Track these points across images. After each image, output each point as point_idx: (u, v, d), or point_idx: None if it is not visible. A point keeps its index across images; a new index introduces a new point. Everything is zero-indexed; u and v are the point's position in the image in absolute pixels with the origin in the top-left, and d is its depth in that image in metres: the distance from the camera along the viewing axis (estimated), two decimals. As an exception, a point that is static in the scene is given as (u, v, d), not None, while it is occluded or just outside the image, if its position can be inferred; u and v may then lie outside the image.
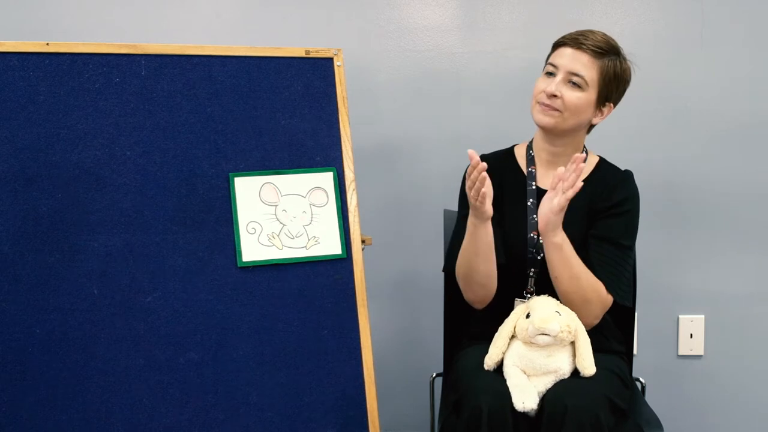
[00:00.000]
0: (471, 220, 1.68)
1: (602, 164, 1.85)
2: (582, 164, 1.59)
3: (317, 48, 1.81)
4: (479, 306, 1.80)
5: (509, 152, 1.89)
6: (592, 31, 1.74)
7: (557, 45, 1.77)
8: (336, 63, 1.81)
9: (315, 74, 1.79)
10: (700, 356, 2.40)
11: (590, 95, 1.73)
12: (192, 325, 1.64)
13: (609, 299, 1.72)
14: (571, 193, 1.60)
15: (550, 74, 1.75)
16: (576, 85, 1.72)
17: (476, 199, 1.60)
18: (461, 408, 1.57)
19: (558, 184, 1.61)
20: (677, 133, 2.33)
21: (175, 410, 1.60)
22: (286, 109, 1.77)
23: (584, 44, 1.71)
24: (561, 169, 1.61)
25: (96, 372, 1.59)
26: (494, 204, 1.73)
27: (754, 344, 2.39)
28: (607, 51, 1.73)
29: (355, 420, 1.66)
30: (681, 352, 2.40)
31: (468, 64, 2.32)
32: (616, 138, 2.30)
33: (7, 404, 1.55)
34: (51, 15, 2.26)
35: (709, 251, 2.36)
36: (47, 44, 1.67)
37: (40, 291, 1.59)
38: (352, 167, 1.77)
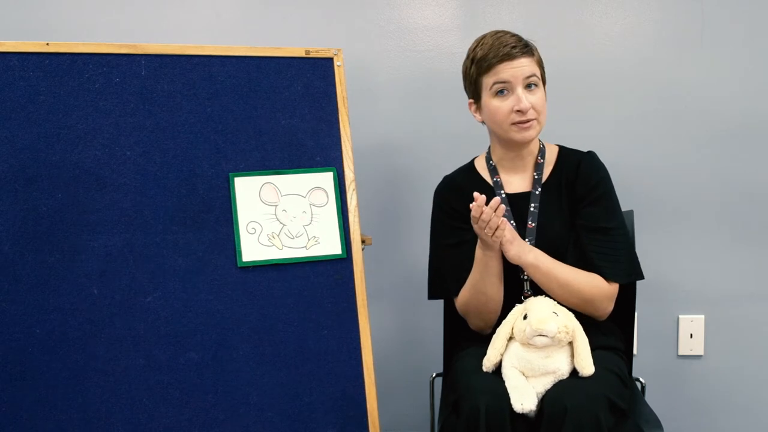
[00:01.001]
0: (484, 253, 1.69)
1: (563, 152, 1.86)
2: (501, 207, 1.60)
3: (317, 48, 1.81)
4: (488, 331, 1.79)
5: (470, 167, 1.90)
6: (504, 35, 1.74)
7: (489, 66, 1.73)
8: (336, 63, 1.81)
9: (315, 74, 1.79)
10: (700, 356, 2.40)
11: (543, 89, 1.78)
12: (192, 325, 1.64)
13: (613, 288, 1.73)
14: (509, 226, 1.64)
15: (502, 92, 1.74)
16: (534, 87, 1.74)
17: (493, 236, 1.62)
18: (460, 409, 1.57)
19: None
20: (677, 133, 2.32)
21: (175, 410, 1.60)
22: (286, 109, 1.77)
23: (515, 51, 1.72)
24: (475, 204, 1.59)
25: (96, 372, 1.59)
26: (469, 224, 1.74)
27: (754, 344, 2.39)
28: (527, 44, 1.76)
29: (355, 420, 1.66)
30: (681, 352, 2.40)
31: (468, 64, 2.32)
32: (615, 138, 2.30)
33: (7, 404, 1.55)
34: (51, 15, 2.26)
35: (709, 251, 2.36)
36: (47, 44, 1.67)
37: (40, 291, 1.59)
38: (352, 167, 1.77)
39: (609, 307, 1.74)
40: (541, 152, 1.83)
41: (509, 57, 1.72)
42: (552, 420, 1.51)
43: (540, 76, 1.76)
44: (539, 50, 1.79)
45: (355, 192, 1.77)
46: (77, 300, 1.60)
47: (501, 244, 1.67)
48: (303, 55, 1.80)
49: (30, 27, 2.25)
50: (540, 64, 1.78)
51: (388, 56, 2.31)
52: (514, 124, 1.74)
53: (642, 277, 1.79)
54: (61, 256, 1.61)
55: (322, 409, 1.66)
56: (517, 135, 1.75)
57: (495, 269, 1.71)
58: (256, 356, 1.65)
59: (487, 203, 1.59)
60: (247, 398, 1.63)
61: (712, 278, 2.37)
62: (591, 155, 1.83)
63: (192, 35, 2.25)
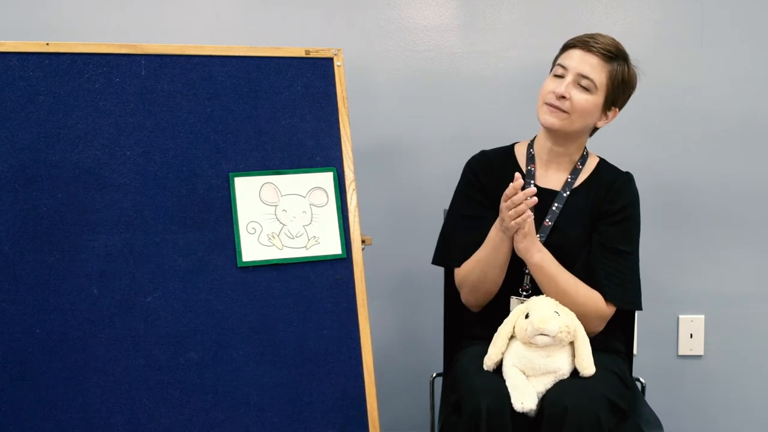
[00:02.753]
0: (498, 235, 1.70)
1: (602, 165, 1.85)
2: (533, 198, 1.61)
3: (317, 48, 1.81)
4: (476, 309, 1.81)
5: (509, 150, 1.89)
6: (601, 35, 1.75)
7: (566, 47, 1.77)
8: (336, 63, 1.81)
9: (315, 74, 1.79)
10: (700, 356, 2.40)
11: (598, 99, 1.73)
12: (192, 325, 1.64)
13: (608, 310, 1.73)
14: (530, 220, 1.64)
15: (559, 76, 1.74)
16: (585, 88, 1.72)
17: (518, 223, 1.63)
18: (461, 408, 1.57)
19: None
20: (677, 133, 2.32)
21: (175, 410, 1.60)
22: (286, 109, 1.77)
23: (594, 47, 1.71)
24: (512, 184, 1.61)
25: (96, 372, 1.59)
26: (489, 202, 1.73)
27: (754, 344, 2.39)
28: (616, 55, 1.74)
29: (355, 420, 1.66)
30: (681, 352, 2.40)
31: (468, 64, 2.32)
32: (615, 138, 2.29)
33: (7, 404, 1.55)
34: (51, 15, 2.26)
35: (709, 251, 2.36)
36: (47, 44, 1.67)
37: (40, 291, 1.59)
38: (352, 167, 1.77)
39: (600, 327, 1.74)
40: (582, 159, 1.83)
41: (584, 47, 1.72)
42: (552, 420, 1.51)
43: (599, 85, 1.72)
44: (619, 70, 1.75)
45: (355, 192, 1.77)
46: (77, 300, 1.60)
47: (515, 232, 1.66)
48: (303, 55, 1.80)
49: (30, 27, 2.25)
50: (611, 78, 1.73)
51: (388, 56, 2.31)
52: (546, 104, 1.74)
53: (641, 308, 1.80)
54: (61, 256, 1.61)
55: (322, 409, 1.66)
56: (542, 116, 1.75)
57: (503, 253, 1.71)
58: (256, 356, 1.65)
59: (523, 184, 1.60)
60: (247, 398, 1.63)
61: (712, 278, 2.37)
62: (628, 177, 1.83)
63: (192, 35, 2.25)
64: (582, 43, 1.73)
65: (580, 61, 1.72)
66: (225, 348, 1.64)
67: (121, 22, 2.26)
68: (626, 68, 1.76)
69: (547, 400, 1.56)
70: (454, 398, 1.64)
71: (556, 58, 1.79)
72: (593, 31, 1.77)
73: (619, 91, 1.76)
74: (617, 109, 1.79)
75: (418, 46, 2.32)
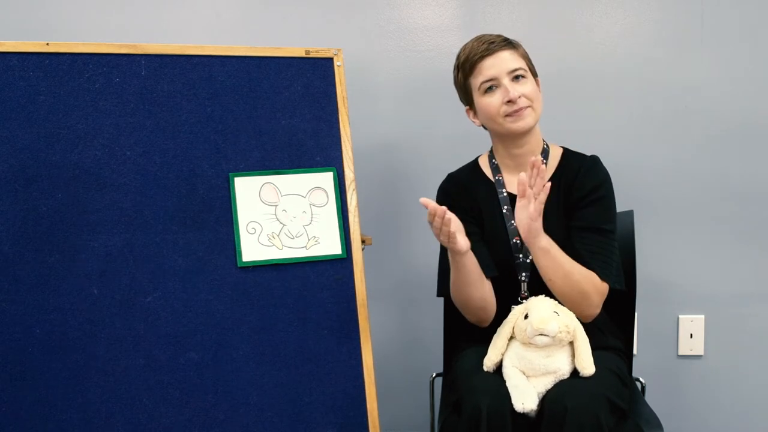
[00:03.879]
0: (451, 256, 1.69)
1: (567, 154, 1.86)
2: (543, 166, 1.60)
3: (317, 48, 1.81)
4: (485, 325, 1.79)
5: (474, 165, 1.91)
6: (484, 35, 1.78)
7: (473, 65, 1.77)
8: (336, 63, 1.81)
9: (315, 74, 1.79)
10: (700, 356, 2.40)
11: (533, 79, 1.79)
12: (192, 325, 1.64)
13: (604, 287, 1.72)
14: (543, 197, 1.61)
15: (491, 88, 1.76)
16: (522, 78, 1.75)
17: (448, 242, 1.62)
18: (461, 408, 1.57)
19: (526, 191, 1.61)
20: (677, 133, 2.32)
21: (175, 410, 1.60)
22: (286, 109, 1.77)
23: (495, 47, 1.75)
24: (522, 175, 1.60)
25: (96, 372, 1.59)
26: (474, 219, 1.74)
27: (754, 344, 2.39)
28: (507, 40, 1.78)
29: (355, 420, 1.66)
30: (681, 352, 2.40)
31: (468, 64, 2.32)
32: (615, 138, 2.30)
33: (7, 404, 1.55)
34: (51, 15, 2.26)
35: (708, 251, 2.36)
36: (47, 44, 1.67)
37: (40, 291, 1.59)
38: (352, 167, 1.77)
39: (599, 305, 1.73)
40: (545, 152, 1.83)
41: (489, 52, 1.74)
42: (553, 420, 1.51)
43: (528, 68, 1.78)
44: (520, 47, 1.80)
45: (355, 192, 1.77)
46: (77, 300, 1.60)
47: (527, 219, 1.63)
48: (303, 55, 1.80)
49: (30, 27, 2.25)
50: (526, 57, 1.79)
51: (388, 56, 2.31)
52: (507, 115, 1.75)
53: (624, 287, 1.78)
54: (61, 256, 1.61)
55: (322, 409, 1.66)
56: (513, 125, 1.76)
57: (466, 270, 1.70)
58: (256, 356, 1.65)
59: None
60: (247, 398, 1.63)
61: (712, 278, 2.37)
62: (594, 159, 1.83)
63: (192, 35, 2.25)
64: (485, 51, 1.75)
65: (500, 63, 1.74)
66: (225, 348, 1.64)
67: (121, 22, 2.26)
68: (518, 43, 1.80)
69: (547, 400, 1.56)
70: (453, 398, 1.65)
71: (465, 82, 1.80)
72: (480, 35, 1.80)
73: (531, 62, 1.81)
74: (538, 79, 1.82)
75: (418, 46, 2.32)
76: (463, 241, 1.63)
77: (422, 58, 2.32)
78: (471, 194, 1.83)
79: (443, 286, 1.84)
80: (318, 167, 1.76)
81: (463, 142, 2.14)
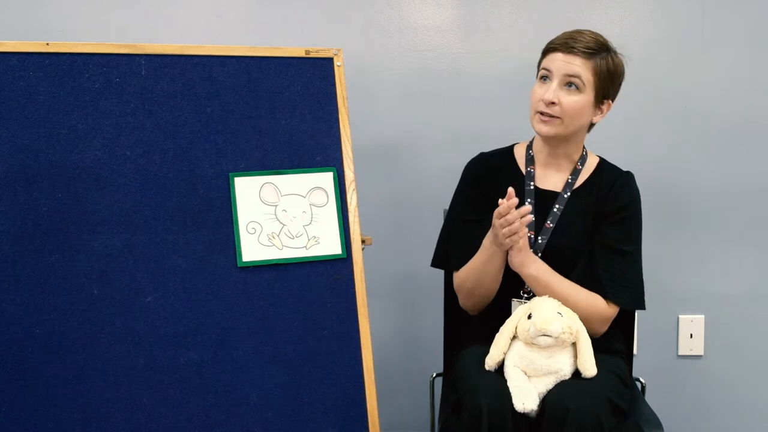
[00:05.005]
0: (491, 248, 1.69)
1: (603, 165, 1.85)
2: (529, 216, 1.60)
3: (317, 48, 1.81)
4: (474, 313, 1.81)
5: (509, 151, 1.89)
6: (579, 32, 1.74)
7: (547, 50, 1.76)
8: (336, 63, 1.81)
9: (315, 74, 1.79)
10: (700, 356, 2.40)
11: (588, 96, 1.73)
12: (192, 325, 1.64)
13: (610, 311, 1.73)
14: (524, 232, 1.63)
15: (545, 78, 1.74)
16: (574, 88, 1.71)
17: (510, 240, 1.62)
18: (461, 408, 1.57)
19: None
20: (677, 133, 2.32)
21: (175, 410, 1.60)
22: (286, 109, 1.76)
23: (575, 47, 1.71)
24: (501, 202, 1.59)
25: (96, 372, 1.59)
26: (491, 207, 1.73)
27: (754, 344, 2.39)
28: (597, 49, 1.72)
29: (355, 420, 1.66)
30: (681, 352, 2.40)
31: (468, 64, 2.32)
32: (616, 138, 2.29)
33: (7, 404, 1.55)
34: (51, 15, 2.25)
35: (708, 251, 2.36)
36: (47, 44, 1.67)
37: (40, 291, 1.59)
38: (352, 167, 1.77)
39: (603, 328, 1.74)
40: (582, 159, 1.82)
41: (565, 48, 1.71)
42: (553, 421, 1.51)
43: (587, 82, 1.71)
44: (602, 63, 1.73)
45: (355, 192, 1.77)
46: (77, 300, 1.60)
47: (510, 248, 1.67)
48: (303, 55, 1.80)
49: (30, 27, 2.24)
50: (597, 74, 1.72)
51: (388, 56, 2.31)
52: (538, 112, 1.74)
53: (644, 308, 1.79)
54: (61, 256, 1.61)
55: (322, 409, 1.66)
56: (536, 125, 1.75)
57: (497, 263, 1.71)
58: (256, 356, 1.65)
59: (515, 189, 1.58)
60: (247, 398, 1.63)
61: (712, 278, 2.37)
62: (629, 176, 1.83)
63: (192, 35, 2.25)
64: (562, 44, 1.72)
65: (563, 63, 1.71)
66: (225, 348, 1.64)
67: (121, 22, 2.26)
68: (610, 59, 1.74)
69: (547, 401, 1.56)
70: (454, 398, 1.64)
71: (540, 61, 1.79)
72: (583, 29, 1.75)
73: (608, 83, 1.74)
74: (610, 101, 1.78)
75: (418, 46, 2.32)
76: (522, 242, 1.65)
77: (422, 58, 2.32)
78: (496, 179, 1.81)
79: (443, 257, 1.84)
80: (318, 167, 1.76)
81: (464, 142, 2.14)
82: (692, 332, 2.38)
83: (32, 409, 1.55)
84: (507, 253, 1.69)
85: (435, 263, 1.88)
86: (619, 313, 1.80)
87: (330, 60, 1.81)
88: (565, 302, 1.67)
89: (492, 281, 1.74)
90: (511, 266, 1.69)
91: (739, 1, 2.29)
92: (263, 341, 1.66)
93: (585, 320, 1.66)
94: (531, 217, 1.61)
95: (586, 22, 2.29)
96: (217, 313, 1.65)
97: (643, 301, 1.78)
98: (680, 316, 2.39)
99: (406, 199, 2.34)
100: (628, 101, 2.30)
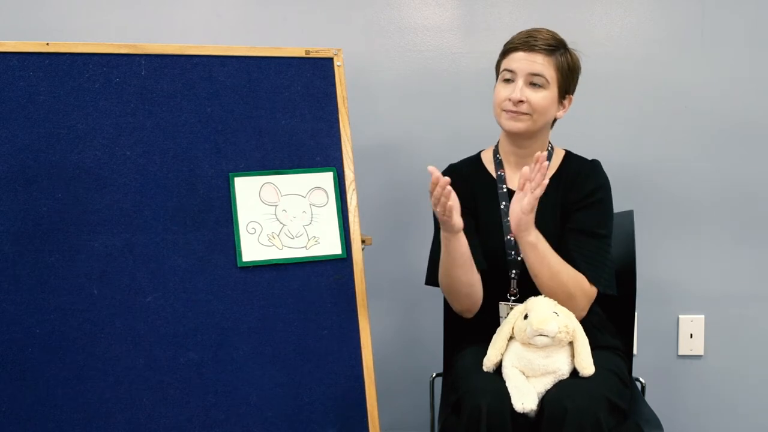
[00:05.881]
0: (443, 234, 1.68)
1: (569, 157, 1.86)
2: (546, 162, 1.60)
3: (317, 48, 1.81)
4: (469, 315, 1.80)
5: (477, 158, 1.91)
6: (537, 30, 1.76)
7: (507, 51, 1.78)
8: (336, 63, 1.81)
9: (315, 74, 1.79)
10: (700, 356, 2.40)
11: (552, 92, 1.75)
12: (192, 325, 1.64)
13: (593, 291, 1.72)
14: (539, 192, 1.60)
15: (508, 80, 1.76)
16: (538, 86, 1.73)
17: (443, 214, 1.60)
18: (461, 408, 1.57)
19: (525, 185, 1.62)
20: (677, 133, 2.32)
21: (175, 410, 1.60)
22: (286, 109, 1.77)
23: (536, 45, 1.73)
24: (526, 168, 1.61)
25: (96, 372, 1.59)
26: (470, 211, 1.73)
27: (754, 344, 2.39)
28: (557, 46, 1.75)
29: (355, 420, 1.66)
30: (681, 352, 2.40)
31: (468, 64, 2.32)
32: (616, 138, 2.30)
33: (7, 404, 1.55)
34: (51, 15, 2.26)
35: (709, 251, 2.36)
36: (47, 44, 1.67)
37: (40, 291, 1.59)
38: (352, 167, 1.77)
39: (586, 308, 1.73)
40: (549, 155, 1.83)
41: (525, 47, 1.73)
42: (552, 421, 1.51)
43: (551, 79, 1.74)
44: (563, 60, 1.76)
45: (355, 192, 1.77)
46: (77, 300, 1.60)
47: (519, 211, 1.64)
48: (303, 55, 1.80)
49: (30, 27, 2.25)
50: (559, 69, 1.75)
51: (388, 56, 2.31)
52: (505, 111, 1.75)
53: (616, 293, 1.77)
54: (61, 256, 1.61)
55: (322, 409, 1.66)
56: (505, 123, 1.76)
57: (456, 251, 1.68)
58: (256, 356, 1.65)
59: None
60: (247, 398, 1.63)
61: (712, 278, 2.37)
62: (595, 163, 1.84)
63: (192, 35, 2.25)
64: (523, 44, 1.74)
65: (526, 62, 1.73)
66: (225, 348, 1.64)
67: (121, 22, 2.26)
68: (569, 55, 1.78)
69: (546, 400, 1.56)
70: (453, 398, 1.65)
71: (499, 63, 1.80)
72: (540, 28, 1.78)
73: (569, 78, 1.78)
74: (571, 96, 1.81)
75: (418, 46, 2.32)
76: (458, 219, 1.63)
77: (422, 58, 2.32)
78: (470, 187, 1.83)
79: (433, 275, 1.84)
80: (318, 167, 1.76)
81: (463, 142, 2.14)
82: (692, 332, 2.38)
83: (32, 409, 1.55)
84: (464, 237, 1.67)
85: (427, 280, 1.88)
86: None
87: (330, 60, 1.81)
88: (558, 274, 1.67)
89: (462, 273, 1.71)
90: (517, 230, 1.66)
91: (739, 1, 2.29)
92: (263, 341, 1.66)
93: (571, 297, 1.67)
94: (447, 179, 1.56)
95: (586, 22, 2.30)
96: (217, 313, 1.65)
97: (614, 286, 1.77)
98: (680, 316, 2.39)
99: (406, 199, 2.34)
100: (628, 101, 2.31)
